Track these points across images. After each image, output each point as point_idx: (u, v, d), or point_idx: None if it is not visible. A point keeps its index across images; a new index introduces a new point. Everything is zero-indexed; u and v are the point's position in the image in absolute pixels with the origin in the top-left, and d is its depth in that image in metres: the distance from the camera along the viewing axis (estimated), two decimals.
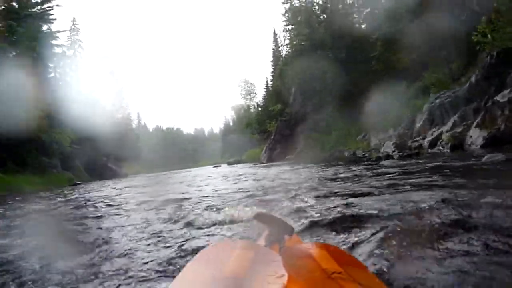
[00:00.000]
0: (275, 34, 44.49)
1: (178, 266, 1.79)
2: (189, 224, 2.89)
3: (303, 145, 26.54)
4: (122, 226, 3.27)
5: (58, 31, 27.26)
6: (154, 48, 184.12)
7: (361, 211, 2.54)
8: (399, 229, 1.90)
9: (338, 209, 2.72)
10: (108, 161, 33.07)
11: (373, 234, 1.85)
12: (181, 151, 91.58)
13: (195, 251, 1.94)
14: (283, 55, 37.59)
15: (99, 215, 4.31)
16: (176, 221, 3.13)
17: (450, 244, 1.57)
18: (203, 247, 1.93)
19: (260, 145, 38.10)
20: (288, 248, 1.08)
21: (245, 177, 9.41)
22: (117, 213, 4.32)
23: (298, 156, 24.33)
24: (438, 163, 6.45)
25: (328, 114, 26.36)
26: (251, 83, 57.75)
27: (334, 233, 2.09)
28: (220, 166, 32.84)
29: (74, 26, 34.70)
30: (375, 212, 2.43)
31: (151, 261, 1.92)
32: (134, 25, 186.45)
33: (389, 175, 5.07)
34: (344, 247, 1.76)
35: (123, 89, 40.71)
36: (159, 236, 2.55)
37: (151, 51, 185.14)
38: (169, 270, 1.76)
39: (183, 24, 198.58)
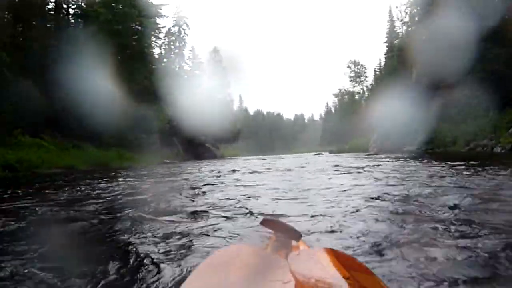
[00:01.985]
0: (390, 11, 39.03)
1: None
2: None
3: (426, 136, 21.83)
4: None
5: (162, 4, 27.07)
6: (258, 31, 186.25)
7: None
8: None
9: None
10: (205, 141, 32.52)
11: None
12: (280, 136, 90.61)
13: None
14: (402, 32, 32.27)
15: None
16: None
17: None
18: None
19: (367, 133, 33.78)
20: (295, 253, 0.96)
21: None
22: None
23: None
24: None
25: (463, 98, 21.01)
26: (361, 65, 52.14)
27: None
28: (322, 154, 29.94)
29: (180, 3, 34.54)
30: None
31: None
32: (241, 6, 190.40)
33: None
34: None
35: (225, 69, 39.73)
36: None
37: (256, 33, 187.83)
38: None
39: (289, 6, 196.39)
